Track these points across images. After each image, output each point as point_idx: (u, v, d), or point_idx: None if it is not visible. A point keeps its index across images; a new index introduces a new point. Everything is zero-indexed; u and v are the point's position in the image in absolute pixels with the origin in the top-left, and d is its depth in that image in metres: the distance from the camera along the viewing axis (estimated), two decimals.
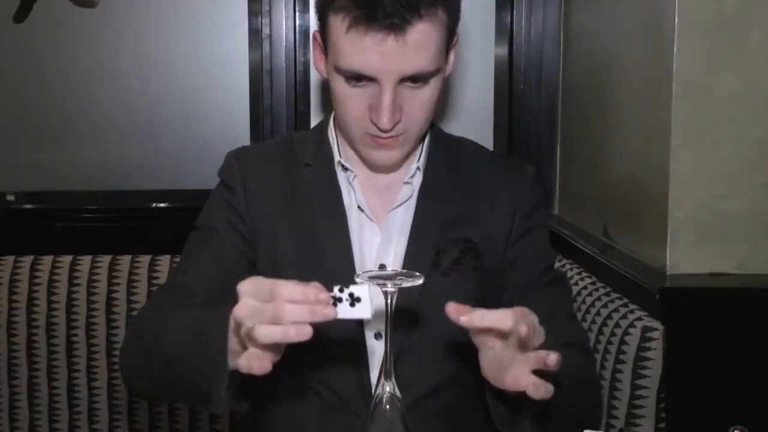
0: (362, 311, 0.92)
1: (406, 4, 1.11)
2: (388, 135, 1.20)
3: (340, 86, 1.20)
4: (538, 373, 0.96)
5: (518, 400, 1.03)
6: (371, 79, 1.16)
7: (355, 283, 0.92)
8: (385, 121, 1.17)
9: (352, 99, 1.20)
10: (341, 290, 0.91)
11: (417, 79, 1.17)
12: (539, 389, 0.94)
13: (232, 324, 0.98)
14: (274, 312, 0.90)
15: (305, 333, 0.89)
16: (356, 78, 1.17)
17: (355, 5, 1.12)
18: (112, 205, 2.09)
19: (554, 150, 2.06)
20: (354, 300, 0.91)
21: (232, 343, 0.99)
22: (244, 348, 0.96)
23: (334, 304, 0.91)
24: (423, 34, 1.14)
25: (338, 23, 1.15)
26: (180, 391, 1.13)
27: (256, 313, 0.91)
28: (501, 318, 0.95)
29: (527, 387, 0.94)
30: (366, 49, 1.13)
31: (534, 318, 0.98)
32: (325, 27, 1.20)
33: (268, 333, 0.90)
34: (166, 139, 2.08)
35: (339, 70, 1.18)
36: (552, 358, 0.94)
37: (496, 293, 1.31)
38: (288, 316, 0.89)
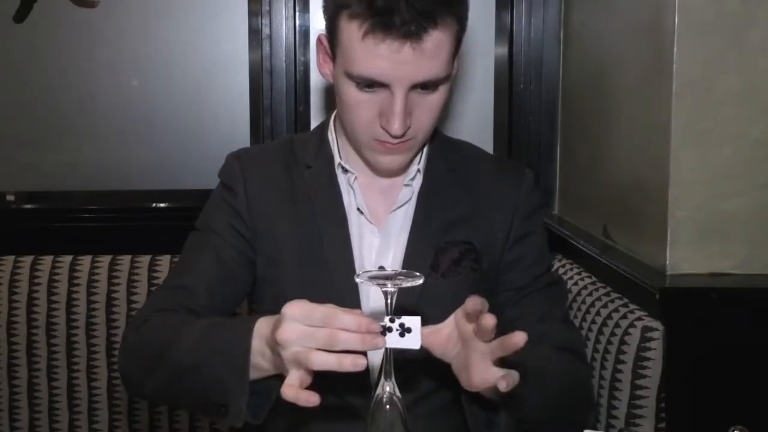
0: (412, 342, 0.94)
1: (424, 12, 1.11)
2: (397, 140, 1.20)
3: (350, 91, 1.19)
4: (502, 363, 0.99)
5: (495, 407, 1.06)
6: (382, 85, 1.16)
7: (399, 315, 0.94)
8: (396, 127, 1.17)
9: (362, 104, 1.19)
10: (392, 320, 0.93)
11: (428, 85, 1.17)
12: (508, 380, 0.96)
13: (255, 344, 1.01)
14: (326, 338, 0.92)
15: (360, 364, 0.92)
16: (368, 84, 1.17)
17: (371, 13, 1.11)
18: (112, 205, 2.09)
19: (554, 150, 2.06)
20: (404, 330, 0.94)
21: (255, 357, 1.02)
22: (276, 367, 1.00)
23: (383, 333, 0.93)
24: (437, 42, 1.14)
25: (353, 30, 1.14)
26: (188, 399, 1.14)
27: (305, 338, 0.93)
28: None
29: (498, 383, 0.96)
30: (381, 56, 1.13)
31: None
32: (335, 32, 1.19)
33: (324, 361, 0.93)
34: (166, 139, 2.08)
35: (350, 76, 1.18)
36: (519, 336, 0.95)
37: (493, 295, 1.32)
38: (340, 343, 0.92)
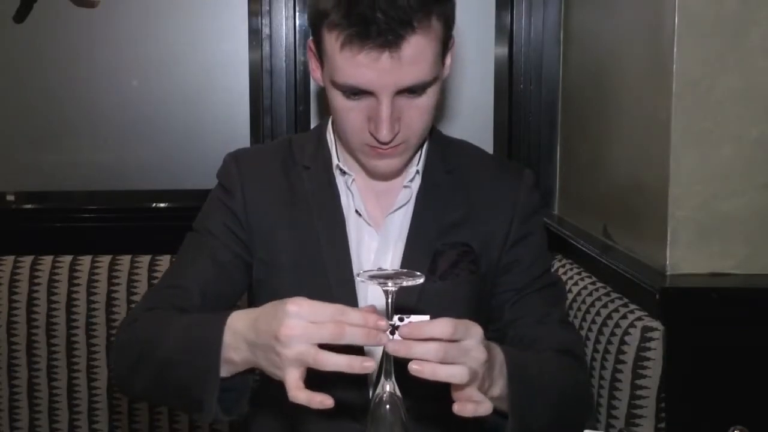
0: None
1: (399, 19, 1.09)
2: (387, 146, 1.20)
3: (337, 99, 1.19)
4: None
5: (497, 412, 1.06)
6: (368, 92, 1.16)
7: (408, 314, 0.94)
8: (384, 134, 1.16)
9: (350, 112, 1.19)
10: (401, 319, 0.93)
11: (414, 90, 1.16)
12: (464, 408, 0.97)
13: (228, 338, 1.00)
14: (332, 333, 0.92)
15: (369, 367, 0.92)
16: (353, 92, 1.17)
17: (348, 23, 1.11)
18: (112, 205, 2.09)
19: (554, 150, 2.06)
20: None
21: (227, 351, 1.01)
22: (248, 363, 0.99)
23: (392, 333, 0.93)
24: (417, 48, 1.13)
25: (332, 40, 1.14)
26: (171, 395, 1.13)
27: (310, 335, 0.92)
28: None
29: (456, 404, 0.97)
30: (361, 65, 1.12)
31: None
32: (320, 40, 1.19)
33: (335, 362, 0.92)
34: (166, 139, 2.08)
35: (335, 84, 1.17)
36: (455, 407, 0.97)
37: (492, 296, 1.31)
38: (346, 338, 0.91)
